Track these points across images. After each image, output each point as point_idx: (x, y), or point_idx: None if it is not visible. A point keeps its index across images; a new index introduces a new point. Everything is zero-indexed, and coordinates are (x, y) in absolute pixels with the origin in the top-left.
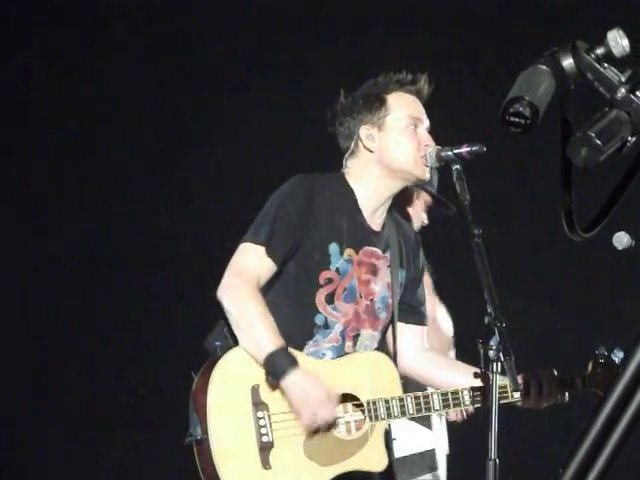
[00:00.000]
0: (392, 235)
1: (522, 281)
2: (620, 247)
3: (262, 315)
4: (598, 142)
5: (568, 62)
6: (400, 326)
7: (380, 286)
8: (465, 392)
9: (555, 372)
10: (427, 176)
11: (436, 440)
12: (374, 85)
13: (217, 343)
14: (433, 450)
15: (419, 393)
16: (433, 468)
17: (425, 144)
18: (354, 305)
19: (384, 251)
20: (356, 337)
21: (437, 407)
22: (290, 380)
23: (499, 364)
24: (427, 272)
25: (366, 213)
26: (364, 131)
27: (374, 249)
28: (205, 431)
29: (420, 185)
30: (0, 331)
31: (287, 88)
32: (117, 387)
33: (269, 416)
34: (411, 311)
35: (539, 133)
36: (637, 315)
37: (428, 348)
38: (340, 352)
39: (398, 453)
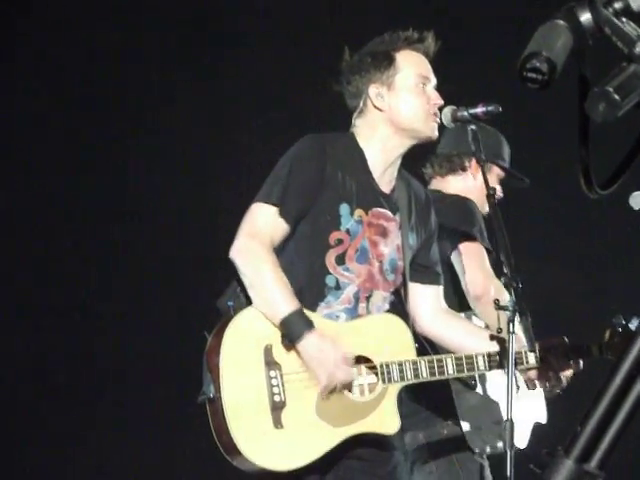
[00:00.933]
0: (402, 197)
1: (538, 243)
2: (637, 207)
3: (277, 277)
4: (616, 97)
5: (586, 17)
6: (416, 287)
7: (390, 248)
8: (479, 357)
9: (566, 339)
10: (435, 134)
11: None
12: (382, 43)
13: (230, 303)
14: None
15: (433, 357)
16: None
17: (434, 102)
18: (368, 266)
19: (394, 213)
20: (369, 298)
21: (450, 371)
22: (307, 342)
23: (515, 325)
24: (481, 244)
25: (376, 174)
26: (373, 90)
27: (384, 210)
28: (218, 390)
29: (492, 159)
30: None
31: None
32: (132, 348)
33: (281, 376)
34: (426, 271)
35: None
36: None
37: (446, 309)
38: (354, 314)
39: None
